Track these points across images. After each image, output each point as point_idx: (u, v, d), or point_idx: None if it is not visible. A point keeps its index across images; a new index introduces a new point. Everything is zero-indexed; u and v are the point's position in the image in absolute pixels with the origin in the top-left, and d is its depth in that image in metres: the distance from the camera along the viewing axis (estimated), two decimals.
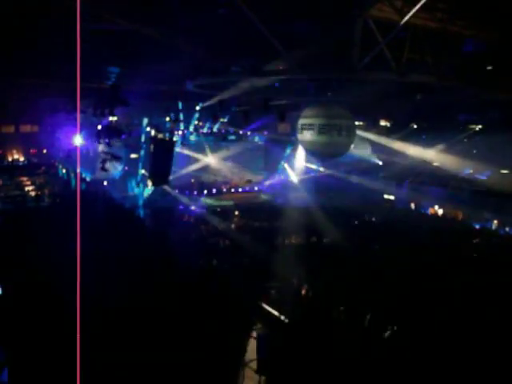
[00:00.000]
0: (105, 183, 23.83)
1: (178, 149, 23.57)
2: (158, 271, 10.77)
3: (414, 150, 23.08)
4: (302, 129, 12.91)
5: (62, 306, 6.92)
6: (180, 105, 21.86)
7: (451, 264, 13.78)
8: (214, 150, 28.29)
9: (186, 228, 19.55)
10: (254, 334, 9.25)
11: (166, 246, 14.65)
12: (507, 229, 21.34)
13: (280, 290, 11.94)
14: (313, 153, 14.17)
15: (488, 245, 18.42)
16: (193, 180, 28.03)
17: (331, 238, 17.53)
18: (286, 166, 29.49)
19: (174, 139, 22.42)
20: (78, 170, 18.62)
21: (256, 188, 29.59)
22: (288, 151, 28.74)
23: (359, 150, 23.63)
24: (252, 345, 8.92)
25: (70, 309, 4.86)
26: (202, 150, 27.85)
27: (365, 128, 22.79)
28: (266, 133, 28.25)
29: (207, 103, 17.05)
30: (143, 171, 24.37)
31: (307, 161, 27.61)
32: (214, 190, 28.21)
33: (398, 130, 23.47)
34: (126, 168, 24.61)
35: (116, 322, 8.04)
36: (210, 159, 28.33)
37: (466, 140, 22.93)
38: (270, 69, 10.20)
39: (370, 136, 23.58)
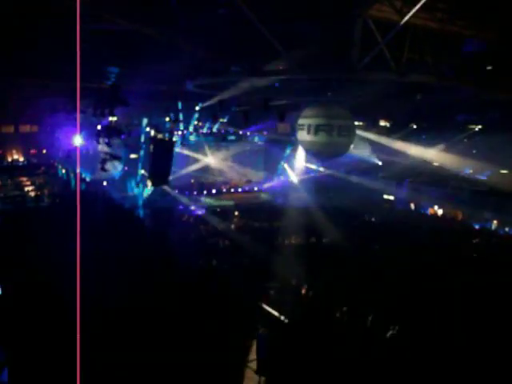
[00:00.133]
0: (104, 183, 23.83)
1: (177, 149, 23.55)
2: (158, 271, 10.77)
3: (413, 150, 23.07)
4: (302, 129, 12.91)
5: (62, 305, 6.91)
6: (180, 105, 21.84)
7: (451, 264, 13.79)
8: (213, 150, 28.29)
9: (185, 228, 19.53)
10: (254, 334, 9.24)
11: (166, 246, 14.65)
12: (507, 229, 21.35)
13: (280, 290, 11.94)
14: (312, 153, 14.17)
15: (488, 245, 18.43)
16: (192, 180, 28.03)
17: (331, 238, 17.52)
18: (285, 166, 29.50)
19: (174, 139, 22.38)
20: (78, 170, 18.60)
21: (256, 188, 29.58)
22: (288, 151, 28.75)
23: (358, 150, 23.62)
24: (252, 345, 8.91)
25: (69, 309, 4.86)
26: (201, 150, 27.86)
27: (365, 128, 22.79)
28: (265, 133, 28.25)
29: (207, 103, 17.03)
30: (143, 171, 24.35)
31: (307, 161, 27.62)
32: (214, 190, 28.22)
33: (398, 130, 23.46)
34: (126, 168, 24.61)
35: (116, 322, 8.04)
36: (210, 159, 28.34)
37: (465, 140, 22.94)
38: (269, 69, 10.19)
39: (370, 136, 23.57)
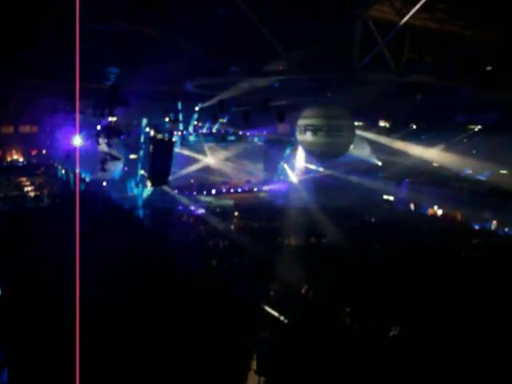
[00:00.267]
0: (104, 184, 23.79)
1: (177, 149, 23.55)
2: (158, 271, 10.76)
3: (413, 150, 23.10)
4: (302, 129, 12.92)
5: (62, 306, 6.91)
6: (179, 105, 21.85)
7: (451, 264, 13.79)
8: (213, 151, 28.28)
9: (185, 228, 19.53)
10: (254, 334, 9.23)
11: (166, 246, 14.63)
12: (507, 229, 21.35)
13: (280, 291, 11.93)
14: (312, 153, 14.17)
15: (488, 245, 18.44)
16: (192, 180, 28.01)
17: (331, 239, 17.53)
18: (285, 166, 29.51)
19: (174, 139, 22.38)
20: (78, 171, 18.58)
21: (256, 188, 29.58)
22: (288, 152, 28.75)
23: (358, 150, 23.64)
24: (252, 345, 8.90)
25: (69, 309, 4.86)
26: (201, 151, 27.85)
27: (365, 128, 22.81)
28: (265, 133, 28.26)
29: (207, 103, 17.04)
30: (142, 172, 24.35)
31: (307, 161, 27.63)
32: (214, 191, 28.21)
33: (398, 130, 23.49)
34: (126, 168, 24.55)
35: (115, 322, 8.03)
36: (210, 159, 28.32)
37: (465, 140, 22.97)
38: (269, 69, 10.20)
39: (370, 136, 23.59)
